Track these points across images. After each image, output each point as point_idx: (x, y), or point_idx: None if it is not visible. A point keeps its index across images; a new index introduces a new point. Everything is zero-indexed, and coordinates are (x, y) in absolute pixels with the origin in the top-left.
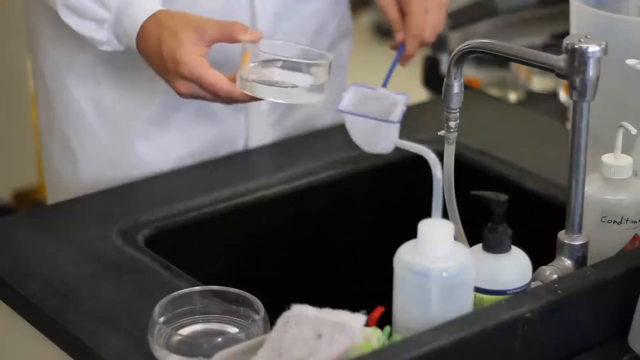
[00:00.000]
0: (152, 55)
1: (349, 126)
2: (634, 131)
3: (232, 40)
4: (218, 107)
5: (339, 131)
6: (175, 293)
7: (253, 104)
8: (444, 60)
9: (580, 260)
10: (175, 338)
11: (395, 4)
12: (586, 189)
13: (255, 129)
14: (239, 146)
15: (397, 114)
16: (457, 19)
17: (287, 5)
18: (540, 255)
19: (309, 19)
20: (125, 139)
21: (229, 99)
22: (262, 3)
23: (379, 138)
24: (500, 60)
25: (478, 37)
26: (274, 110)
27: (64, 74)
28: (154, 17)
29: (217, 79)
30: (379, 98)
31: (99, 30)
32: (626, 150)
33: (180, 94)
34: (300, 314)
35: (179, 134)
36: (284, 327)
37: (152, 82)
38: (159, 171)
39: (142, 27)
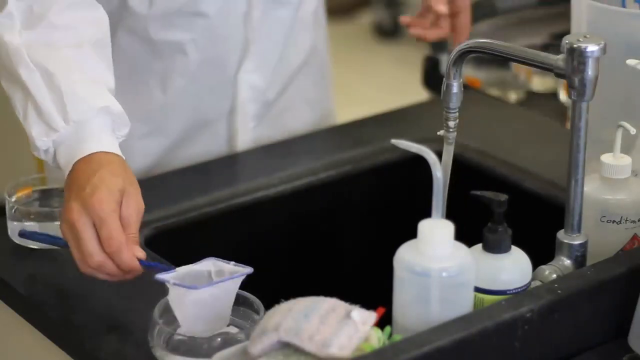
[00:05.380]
0: (78, 172)
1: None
2: (633, 131)
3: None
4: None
5: (339, 131)
6: None
7: (240, 110)
8: (444, 60)
9: (580, 260)
10: (175, 338)
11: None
12: (585, 188)
13: (240, 131)
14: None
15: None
16: None
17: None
18: (540, 255)
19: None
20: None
21: (116, 252)
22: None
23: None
24: (500, 60)
25: (478, 37)
26: (257, 116)
27: None
28: (109, 153)
29: (119, 229)
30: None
31: (46, 136)
32: (626, 150)
33: (65, 219)
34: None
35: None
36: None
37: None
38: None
39: (91, 154)
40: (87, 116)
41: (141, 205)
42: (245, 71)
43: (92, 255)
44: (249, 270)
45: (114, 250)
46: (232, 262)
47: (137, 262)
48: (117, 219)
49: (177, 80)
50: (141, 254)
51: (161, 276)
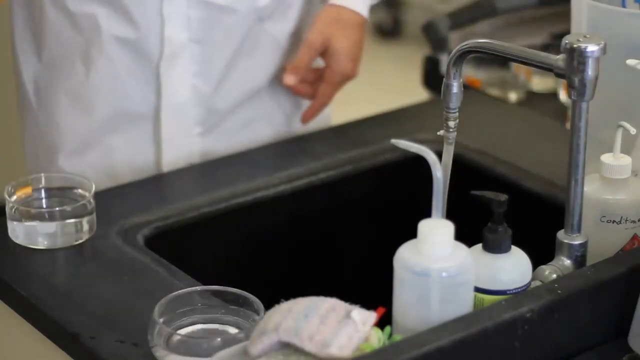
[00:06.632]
0: None
1: None
2: (633, 131)
3: None
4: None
5: (339, 131)
6: (175, 293)
7: (174, 109)
8: (444, 60)
9: (580, 260)
10: (175, 338)
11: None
12: (585, 188)
13: (176, 137)
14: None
15: None
16: (457, 19)
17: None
18: (540, 255)
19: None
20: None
21: None
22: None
23: None
24: (500, 60)
25: (478, 37)
26: (203, 122)
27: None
28: None
29: None
30: None
31: None
32: (626, 150)
33: None
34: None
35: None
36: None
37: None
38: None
39: None
40: None
41: None
42: (184, 71)
43: None
44: None
45: None
46: None
47: None
48: None
49: (96, 57)
50: None
51: None
